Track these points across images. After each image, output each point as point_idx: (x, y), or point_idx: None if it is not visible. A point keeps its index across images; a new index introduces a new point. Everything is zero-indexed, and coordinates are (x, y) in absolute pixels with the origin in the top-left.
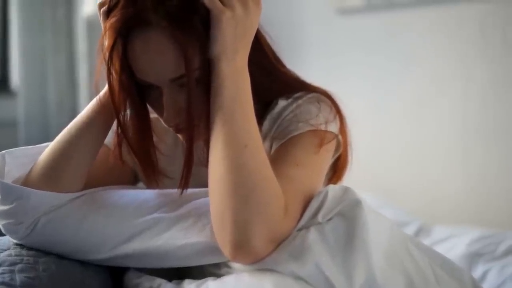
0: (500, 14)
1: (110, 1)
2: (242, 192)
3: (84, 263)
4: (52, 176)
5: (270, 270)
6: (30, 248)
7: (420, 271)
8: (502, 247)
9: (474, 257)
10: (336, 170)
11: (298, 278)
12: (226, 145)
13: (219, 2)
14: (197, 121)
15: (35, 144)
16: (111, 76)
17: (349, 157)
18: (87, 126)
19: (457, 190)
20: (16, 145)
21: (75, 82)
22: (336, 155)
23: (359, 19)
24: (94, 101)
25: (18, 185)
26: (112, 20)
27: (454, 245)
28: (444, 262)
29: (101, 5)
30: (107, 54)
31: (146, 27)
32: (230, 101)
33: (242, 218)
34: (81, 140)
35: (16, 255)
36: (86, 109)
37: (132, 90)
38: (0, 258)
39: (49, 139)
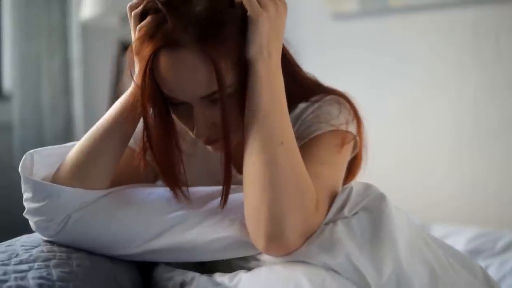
0: (492, 19)
1: (144, 6)
2: (278, 186)
3: (114, 259)
4: (79, 174)
5: (301, 262)
6: (60, 245)
7: (439, 260)
8: (500, 244)
9: (473, 254)
10: (351, 169)
11: (329, 269)
12: (262, 142)
13: (257, 4)
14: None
15: (30, 148)
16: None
17: (364, 158)
18: (114, 126)
19: (450, 191)
20: (10, 149)
21: (69, 86)
22: (353, 155)
23: (353, 24)
24: (120, 100)
25: (49, 183)
26: (142, 39)
27: (452, 243)
28: (455, 253)
29: (132, 8)
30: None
31: (176, 47)
32: (267, 100)
33: (277, 211)
34: (108, 139)
35: (48, 251)
36: (113, 109)
37: (159, 102)
38: (33, 254)
39: (44, 143)
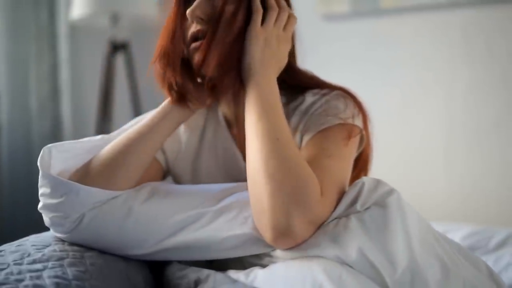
0: (482, 20)
1: None
2: (277, 178)
3: (126, 258)
4: (111, 173)
5: (316, 257)
6: (71, 244)
7: (449, 255)
8: (494, 241)
9: None
10: (358, 165)
11: (343, 263)
12: (260, 139)
13: (260, 20)
14: (221, 32)
15: (18, 149)
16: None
17: (372, 152)
18: (149, 132)
19: (441, 190)
20: None
21: (57, 88)
22: (359, 151)
23: (345, 25)
24: (158, 109)
25: (68, 180)
26: None
27: None
28: (459, 248)
29: None
30: None
31: None
32: (261, 103)
33: (280, 202)
34: (141, 144)
35: (61, 250)
36: (150, 117)
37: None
38: (46, 253)
39: (32, 144)
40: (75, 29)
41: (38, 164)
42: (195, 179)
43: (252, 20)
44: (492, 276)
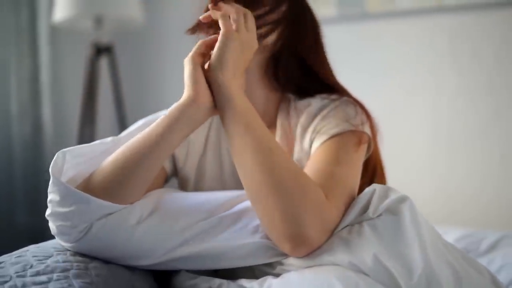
0: (469, 26)
1: None
2: (281, 189)
3: (131, 267)
4: (116, 189)
5: (331, 265)
6: (74, 254)
7: (457, 261)
8: (484, 245)
9: None
10: (366, 174)
11: (358, 271)
12: (252, 150)
13: (231, 26)
14: None
15: None
16: None
17: (380, 160)
18: (154, 145)
19: (427, 195)
20: None
21: (38, 91)
22: (366, 157)
23: (331, 29)
24: (163, 118)
25: (79, 191)
26: None
27: None
28: (464, 255)
29: None
30: None
31: None
32: (244, 114)
33: (289, 213)
34: (148, 157)
35: (64, 261)
36: (155, 126)
37: None
38: (49, 264)
39: (12, 148)
40: (57, 31)
41: (50, 169)
42: (199, 181)
43: (223, 23)
44: (495, 281)
